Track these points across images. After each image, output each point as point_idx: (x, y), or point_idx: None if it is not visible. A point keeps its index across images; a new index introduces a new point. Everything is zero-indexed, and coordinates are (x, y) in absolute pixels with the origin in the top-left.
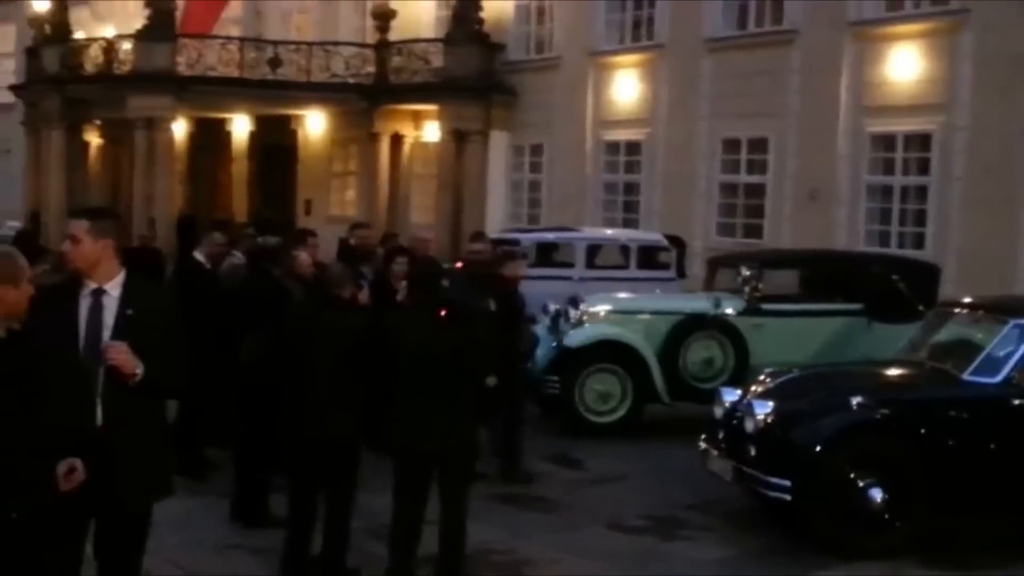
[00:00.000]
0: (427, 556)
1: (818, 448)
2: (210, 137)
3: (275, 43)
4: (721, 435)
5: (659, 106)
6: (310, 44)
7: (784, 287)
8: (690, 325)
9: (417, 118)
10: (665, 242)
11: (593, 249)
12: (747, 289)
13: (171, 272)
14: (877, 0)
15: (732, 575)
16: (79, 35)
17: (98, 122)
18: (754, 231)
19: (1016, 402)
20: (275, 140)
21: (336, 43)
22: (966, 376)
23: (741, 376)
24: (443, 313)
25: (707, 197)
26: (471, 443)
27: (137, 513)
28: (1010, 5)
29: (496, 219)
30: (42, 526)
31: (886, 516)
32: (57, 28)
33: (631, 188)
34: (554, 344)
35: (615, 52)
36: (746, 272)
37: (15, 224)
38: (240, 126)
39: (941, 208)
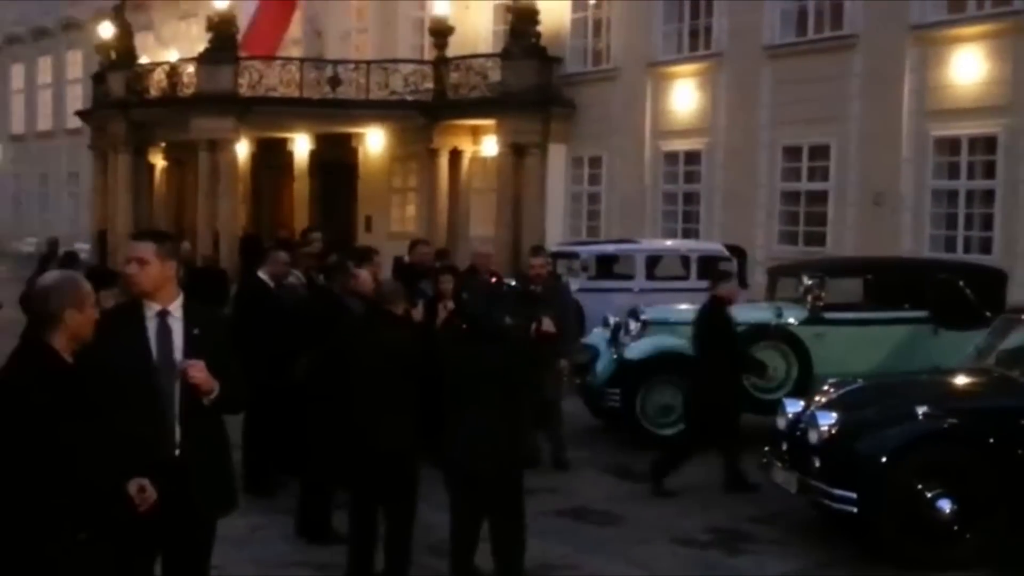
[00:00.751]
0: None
1: (884, 459)
2: (272, 156)
3: (335, 62)
4: (784, 446)
5: (718, 115)
6: (369, 62)
7: (847, 295)
8: (752, 335)
9: (476, 133)
10: (725, 252)
11: (653, 260)
12: (809, 298)
13: (235, 291)
14: (939, 1)
15: None
16: (143, 60)
17: (163, 144)
18: (816, 239)
19: None
20: (336, 158)
21: (395, 60)
22: None
23: (804, 386)
24: (464, 328)
25: (768, 206)
26: (511, 459)
27: (208, 526)
28: None
29: (556, 232)
30: (112, 547)
31: (955, 528)
32: (122, 54)
33: (691, 198)
34: (614, 356)
35: (673, 62)
36: (808, 281)
37: (84, 247)
38: (301, 145)
39: (1008, 212)
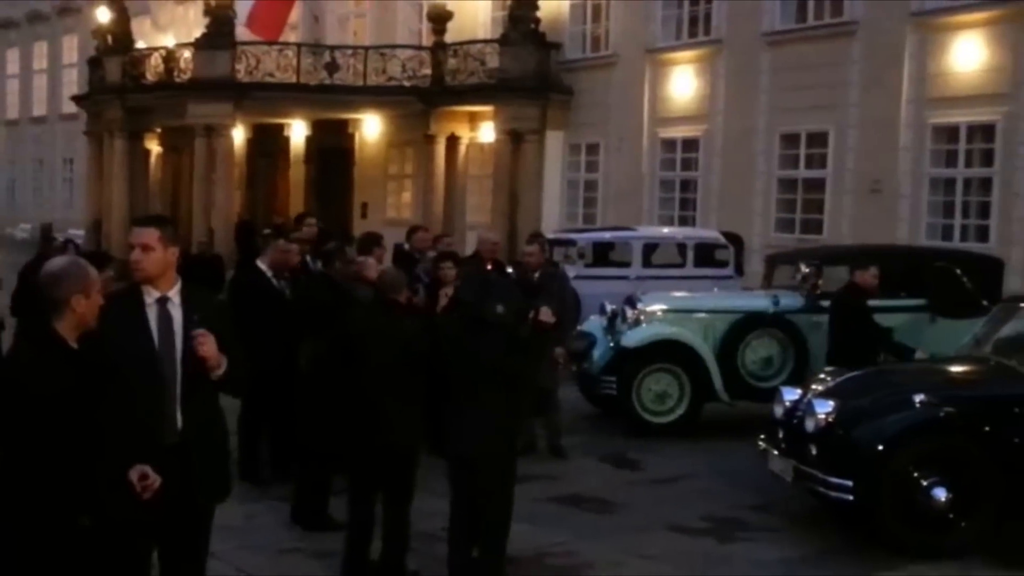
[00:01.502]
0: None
1: (880, 447)
2: (268, 142)
3: (332, 48)
4: (781, 434)
5: (716, 102)
6: (366, 48)
7: (844, 283)
8: (749, 323)
9: (473, 119)
10: (723, 240)
11: (650, 248)
12: (806, 286)
13: (230, 280)
14: None
15: None
16: (140, 45)
17: (159, 130)
18: (813, 227)
19: None
20: (332, 144)
21: (392, 46)
22: None
23: (801, 374)
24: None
25: (765, 193)
26: (498, 449)
27: (206, 513)
28: None
29: (552, 219)
30: (114, 533)
31: (951, 516)
32: (119, 38)
33: (688, 185)
34: (611, 344)
35: (672, 49)
36: (805, 269)
37: (78, 232)
38: (298, 131)
39: (1005, 200)
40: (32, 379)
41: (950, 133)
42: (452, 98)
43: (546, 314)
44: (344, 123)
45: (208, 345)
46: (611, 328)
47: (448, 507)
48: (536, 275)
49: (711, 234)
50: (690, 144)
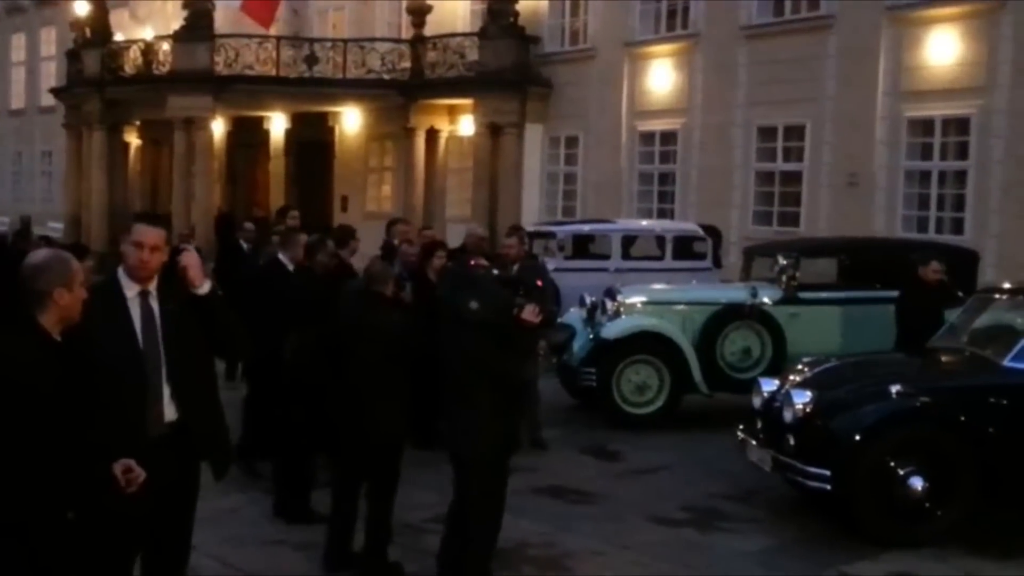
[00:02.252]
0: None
1: (857, 437)
2: (248, 136)
3: (311, 41)
4: (759, 425)
5: (694, 95)
6: (345, 41)
7: (822, 275)
8: (727, 315)
9: (452, 112)
10: (701, 232)
11: (629, 240)
12: (784, 278)
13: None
14: None
15: (774, 565)
16: (119, 37)
17: (138, 123)
18: (790, 219)
19: None
20: (312, 137)
21: (372, 39)
22: (1006, 362)
23: (779, 366)
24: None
25: (743, 186)
26: (484, 449)
27: (191, 504)
28: None
29: (532, 212)
30: (99, 526)
31: (927, 505)
32: (97, 31)
33: (666, 178)
34: (591, 336)
35: (650, 42)
36: (783, 261)
37: (57, 226)
38: (277, 124)
39: (980, 193)
40: (15, 372)
41: (925, 126)
42: (431, 91)
43: (530, 312)
44: (324, 116)
45: (190, 255)
46: (591, 320)
47: (427, 499)
48: (515, 268)
49: (690, 227)
50: (668, 137)
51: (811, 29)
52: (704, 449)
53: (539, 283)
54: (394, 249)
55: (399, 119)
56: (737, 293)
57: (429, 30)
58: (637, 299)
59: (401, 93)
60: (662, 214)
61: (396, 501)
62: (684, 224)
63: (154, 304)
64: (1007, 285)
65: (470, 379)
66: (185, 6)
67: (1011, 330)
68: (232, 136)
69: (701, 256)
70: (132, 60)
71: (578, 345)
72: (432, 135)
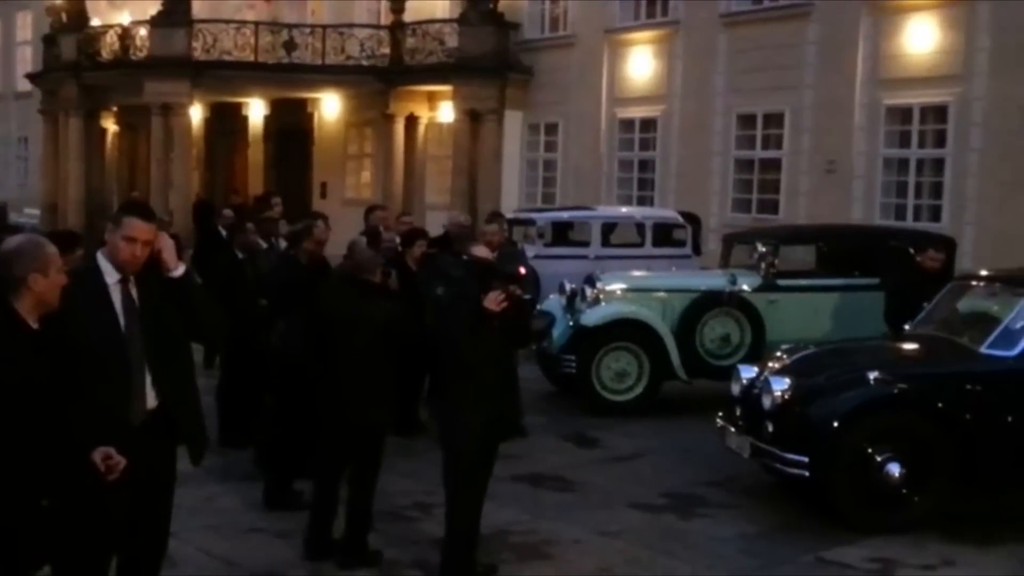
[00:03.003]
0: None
1: (835, 424)
2: (226, 122)
3: (290, 26)
4: (738, 412)
5: (674, 83)
6: (325, 27)
7: (800, 263)
8: (706, 302)
9: (432, 99)
10: (680, 219)
11: (608, 227)
12: (763, 265)
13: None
14: None
15: (752, 551)
16: (95, 22)
17: (115, 109)
18: (770, 207)
19: None
20: (291, 123)
21: (351, 25)
22: (983, 349)
23: (758, 353)
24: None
25: (722, 173)
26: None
27: (170, 491)
28: None
29: (511, 198)
30: (77, 513)
31: (904, 491)
32: (74, 16)
33: (646, 165)
34: (570, 323)
35: (630, 29)
36: (762, 248)
37: (34, 212)
38: (256, 110)
39: (957, 180)
40: None
41: (903, 114)
42: (411, 78)
43: (492, 300)
44: (303, 102)
45: (164, 239)
46: (570, 307)
47: (407, 487)
48: (494, 255)
49: (669, 214)
50: (648, 124)
51: (790, 17)
52: (683, 436)
53: (521, 270)
54: (379, 235)
55: (378, 105)
56: (716, 280)
57: (408, 16)
58: (617, 286)
59: (380, 79)
60: (642, 201)
61: (376, 489)
62: (664, 211)
63: (134, 291)
64: (984, 272)
65: (450, 365)
66: None
67: (988, 317)
68: (210, 122)
69: (681, 243)
70: (109, 45)
71: (558, 332)
72: (411, 122)
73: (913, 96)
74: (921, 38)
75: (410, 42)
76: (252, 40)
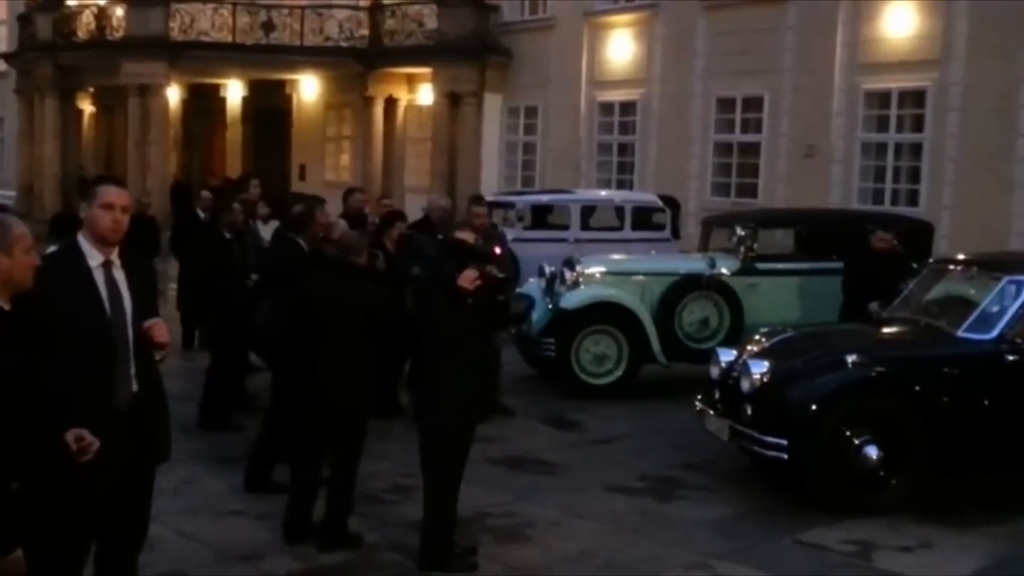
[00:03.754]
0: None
1: (813, 407)
2: (204, 103)
3: (268, 7)
4: (717, 395)
5: (653, 66)
6: (303, 7)
7: (779, 246)
8: (685, 286)
9: (411, 81)
10: (659, 203)
11: (588, 211)
12: (742, 249)
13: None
14: None
15: (731, 534)
16: (71, 2)
17: (91, 89)
18: (748, 190)
19: (1010, 358)
20: (269, 105)
21: (329, 6)
22: (960, 333)
23: (737, 336)
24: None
25: (701, 157)
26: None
27: (151, 475)
28: None
29: (491, 182)
30: (50, 496)
31: (882, 473)
32: None
33: (625, 149)
34: (549, 306)
35: (610, 12)
36: (741, 232)
37: (10, 194)
38: (234, 91)
39: (935, 165)
40: None
41: (882, 99)
42: (390, 59)
43: (465, 278)
44: (281, 84)
45: (162, 332)
46: (549, 290)
47: (385, 469)
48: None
49: (648, 197)
50: (627, 108)
51: (770, 1)
52: (662, 419)
53: (497, 250)
54: (364, 218)
55: (357, 87)
56: (695, 264)
57: None
58: (596, 269)
59: (359, 61)
60: (621, 184)
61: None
62: (643, 195)
63: (118, 274)
64: (961, 256)
65: (426, 344)
66: None
67: (965, 301)
68: (188, 104)
69: (660, 227)
70: (85, 25)
71: (537, 315)
72: (391, 104)
73: (891, 81)
74: (899, 23)
75: (389, 23)
76: (230, 20)
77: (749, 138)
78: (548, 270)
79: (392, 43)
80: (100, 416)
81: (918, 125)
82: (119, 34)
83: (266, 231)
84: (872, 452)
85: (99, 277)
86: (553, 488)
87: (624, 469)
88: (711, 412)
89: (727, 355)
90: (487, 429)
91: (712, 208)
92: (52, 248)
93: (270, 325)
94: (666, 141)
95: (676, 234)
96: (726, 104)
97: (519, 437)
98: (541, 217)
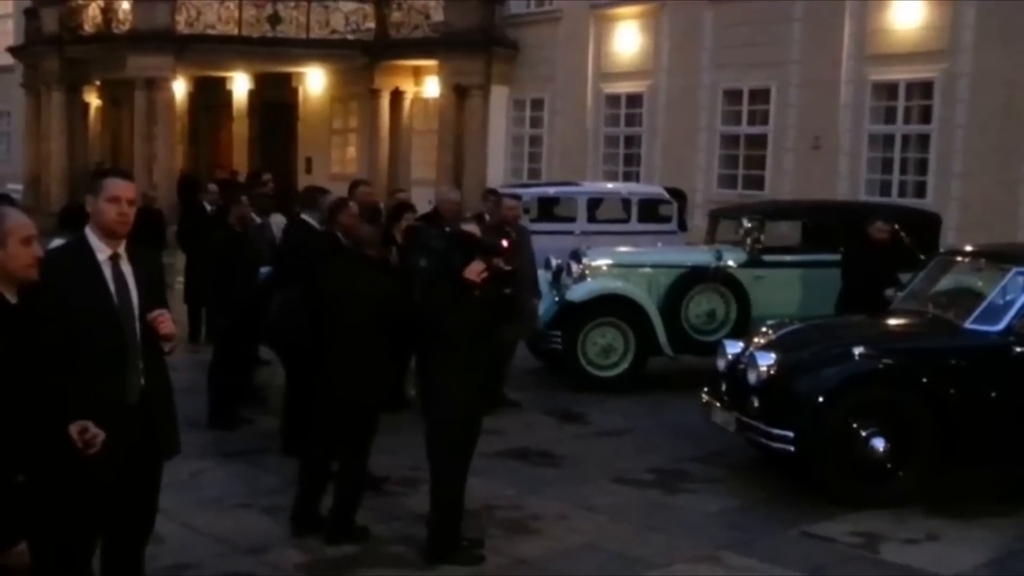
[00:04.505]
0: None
1: (820, 399)
2: (210, 96)
3: (274, 0)
4: (724, 387)
5: (660, 58)
6: (309, 0)
7: (786, 238)
8: (692, 278)
9: (417, 74)
10: (666, 195)
11: (594, 203)
12: (749, 241)
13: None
14: None
15: (738, 526)
16: None
17: (98, 83)
18: (755, 182)
19: (1017, 350)
20: (275, 98)
21: None
22: (968, 325)
23: (743, 328)
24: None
25: (708, 149)
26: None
27: (159, 468)
28: None
29: (497, 174)
30: (55, 489)
31: (889, 466)
32: None
33: (632, 141)
34: (556, 299)
35: (616, 4)
36: (748, 224)
37: (17, 187)
38: (240, 84)
39: (942, 157)
40: None
41: (889, 90)
42: (396, 52)
43: (472, 271)
44: (287, 77)
45: (168, 323)
46: (556, 283)
47: (391, 462)
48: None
49: (655, 190)
50: (634, 100)
51: None
52: (669, 411)
53: (504, 243)
54: (379, 211)
55: (363, 80)
56: (702, 256)
57: None
58: (602, 262)
59: (365, 54)
60: (627, 177)
61: None
62: (649, 187)
63: (126, 268)
64: (968, 248)
65: (433, 336)
66: None
67: (972, 293)
68: (194, 97)
69: (666, 219)
70: (91, 18)
71: (543, 308)
72: (397, 96)
73: (899, 72)
74: (907, 14)
75: (395, 16)
76: (236, 13)
77: (756, 130)
78: (554, 262)
79: (398, 36)
80: (109, 410)
81: (926, 116)
82: (125, 27)
83: (276, 224)
84: (879, 444)
85: (107, 270)
86: (560, 480)
87: (631, 461)
88: (718, 404)
89: (734, 347)
90: (494, 422)
91: (719, 200)
92: (57, 241)
93: (284, 318)
94: (673, 133)
95: (683, 226)
96: (733, 96)
97: (526, 430)
98: (547, 209)
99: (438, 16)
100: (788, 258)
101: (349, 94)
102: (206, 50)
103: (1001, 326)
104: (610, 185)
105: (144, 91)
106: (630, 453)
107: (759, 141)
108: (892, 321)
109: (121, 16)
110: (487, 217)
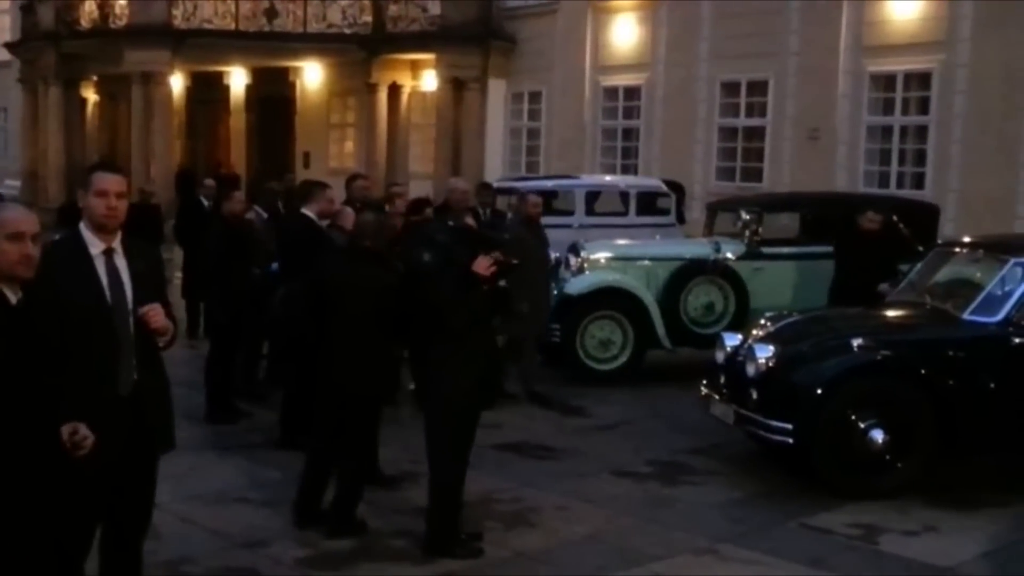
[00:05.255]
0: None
1: (819, 391)
2: (208, 91)
3: None
4: (723, 380)
5: (658, 50)
6: None
7: (784, 230)
8: (690, 270)
9: (415, 67)
10: (664, 188)
11: (592, 196)
12: (747, 233)
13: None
14: None
15: (737, 518)
16: None
17: (95, 78)
18: (753, 175)
19: (1016, 341)
20: (273, 92)
21: None
22: (966, 316)
23: (742, 320)
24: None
25: (706, 141)
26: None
27: (154, 463)
28: None
29: (495, 167)
30: (49, 488)
31: (888, 457)
32: None
33: (630, 134)
34: (555, 292)
35: None
36: (746, 216)
37: (14, 183)
38: (237, 79)
39: (941, 148)
40: None
41: (887, 81)
42: (393, 46)
43: (481, 265)
44: (285, 71)
45: (159, 317)
46: (555, 276)
47: (393, 455)
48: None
49: (653, 182)
50: (632, 92)
51: None
52: (667, 404)
53: (506, 236)
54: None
55: (361, 74)
56: (700, 248)
57: None
58: (601, 255)
59: (363, 47)
60: (626, 170)
61: None
62: (648, 180)
63: (120, 262)
64: (967, 239)
65: (434, 330)
66: None
67: (970, 284)
68: (191, 91)
69: (665, 212)
70: (88, 13)
71: None
72: (394, 90)
73: (897, 63)
74: (904, 5)
75: (392, 9)
76: (233, 8)
77: (754, 122)
78: (553, 256)
79: (395, 29)
80: (101, 403)
81: (924, 107)
82: (122, 22)
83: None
84: (878, 436)
85: (100, 265)
86: (559, 473)
87: (630, 454)
88: (716, 397)
89: (732, 340)
90: (492, 415)
91: (717, 192)
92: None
93: (287, 312)
94: (670, 126)
95: (681, 219)
96: (731, 88)
97: (524, 422)
98: (546, 203)
99: (435, 10)
100: (786, 250)
101: (347, 88)
102: (203, 44)
103: (999, 317)
104: (608, 178)
105: (141, 86)
106: (629, 446)
107: (757, 133)
108: (890, 313)
109: (118, 11)
110: (481, 211)
